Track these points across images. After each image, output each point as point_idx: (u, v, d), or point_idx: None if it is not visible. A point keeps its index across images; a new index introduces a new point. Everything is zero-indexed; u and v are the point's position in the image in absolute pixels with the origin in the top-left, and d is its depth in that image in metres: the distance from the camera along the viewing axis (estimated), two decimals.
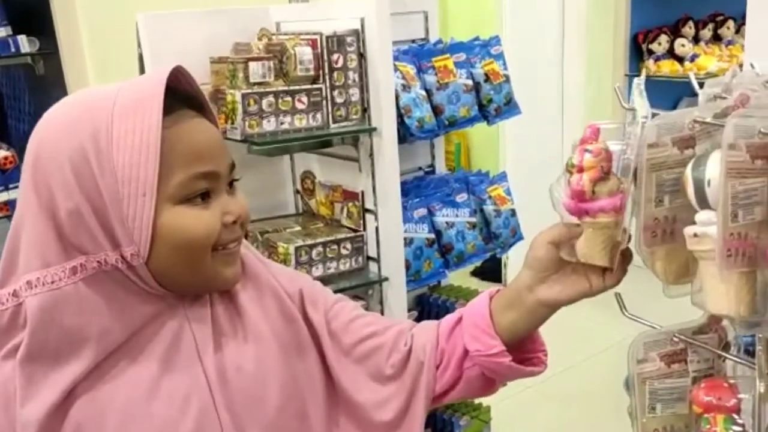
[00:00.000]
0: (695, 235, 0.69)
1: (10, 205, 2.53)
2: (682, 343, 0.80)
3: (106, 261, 0.72)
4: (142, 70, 1.75)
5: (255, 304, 0.84)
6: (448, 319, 0.90)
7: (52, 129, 0.73)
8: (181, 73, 0.76)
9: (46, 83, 2.83)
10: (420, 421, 0.88)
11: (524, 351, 0.87)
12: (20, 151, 2.64)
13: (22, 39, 2.58)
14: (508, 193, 1.97)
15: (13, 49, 2.56)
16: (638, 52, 3.68)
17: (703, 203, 0.69)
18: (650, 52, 3.61)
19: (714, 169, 0.68)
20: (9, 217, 2.73)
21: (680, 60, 3.56)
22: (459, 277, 2.19)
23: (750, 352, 0.79)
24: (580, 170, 0.74)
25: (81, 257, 0.72)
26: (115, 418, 0.72)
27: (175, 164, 0.72)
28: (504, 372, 0.85)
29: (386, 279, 1.71)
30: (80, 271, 0.72)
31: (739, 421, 0.74)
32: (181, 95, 0.76)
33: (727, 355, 0.79)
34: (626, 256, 0.77)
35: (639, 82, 0.82)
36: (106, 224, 0.71)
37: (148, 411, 0.73)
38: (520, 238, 1.99)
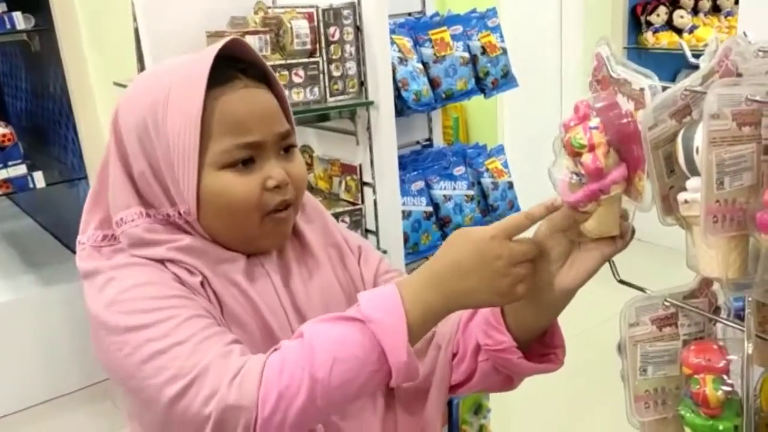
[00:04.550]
0: (686, 201, 0.71)
1: (10, 182, 2.54)
2: (673, 307, 0.81)
3: (169, 215, 0.81)
4: (138, 45, 1.75)
5: (322, 249, 0.91)
6: (468, 310, 0.90)
7: (128, 98, 0.84)
8: (240, 45, 0.82)
9: (41, 60, 2.82)
10: (435, 402, 0.90)
11: (543, 345, 0.87)
12: (18, 129, 2.64)
13: (17, 16, 2.56)
14: (506, 165, 1.98)
15: (8, 26, 2.55)
16: (637, 24, 3.66)
17: (693, 170, 0.70)
18: (649, 24, 3.60)
19: (701, 137, 0.69)
20: (9, 195, 2.73)
21: (679, 32, 3.55)
22: None
23: (740, 317, 0.81)
24: (591, 149, 0.74)
25: (152, 209, 0.82)
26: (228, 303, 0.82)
27: (218, 133, 0.80)
28: (514, 368, 0.85)
29: (385, 252, 1.73)
30: (153, 217, 0.82)
31: (728, 382, 0.76)
32: (241, 65, 0.83)
33: (717, 318, 0.80)
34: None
35: (608, 54, 0.80)
36: (164, 185, 0.81)
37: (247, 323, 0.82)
38: (518, 210, 2.01)
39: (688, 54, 0.86)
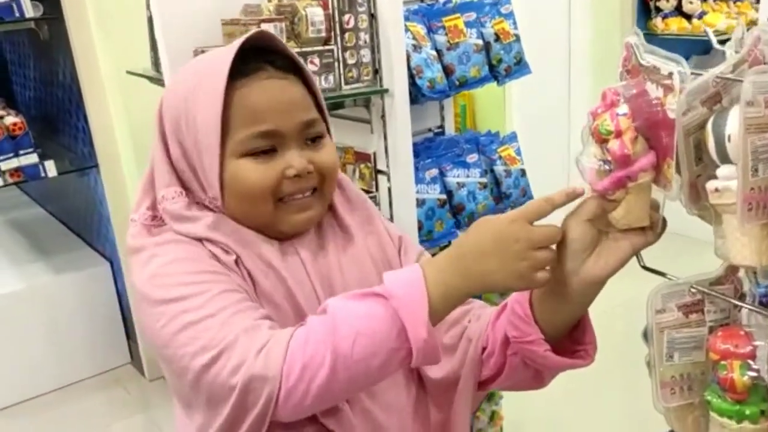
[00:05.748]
0: (717, 189, 0.71)
1: (22, 171, 2.54)
2: (699, 293, 0.82)
3: (201, 199, 0.86)
4: (151, 34, 1.75)
5: (361, 232, 0.93)
6: (499, 306, 0.92)
7: (169, 88, 0.89)
8: (266, 36, 0.85)
9: (50, 48, 2.81)
10: (464, 395, 0.91)
11: (574, 341, 0.86)
12: (27, 118, 2.64)
13: (26, 3, 2.54)
14: (518, 153, 1.98)
15: (17, 14, 2.54)
16: (646, 10, 3.64)
17: (724, 158, 0.70)
18: (658, 10, 3.58)
19: (734, 125, 0.69)
20: (20, 183, 2.73)
21: (688, 17, 3.53)
22: None
23: (764, 303, 0.82)
24: (618, 135, 0.74)
25: (189, 192, 0.87)
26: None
27: (238, 123, 0.82)
28: (541, 361, 0.84)
29: None
30: (189, 197, 0.87)
31: (755, 367, 0.76)
32: (270, 56, 0.85)
33: (744, 305, 0.81)
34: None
35: (637, 42, 0.80)
36: (195, 171, 0.85)
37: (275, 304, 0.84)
38: (530, 198, 2.01)
39: (713, 39, 0.86)
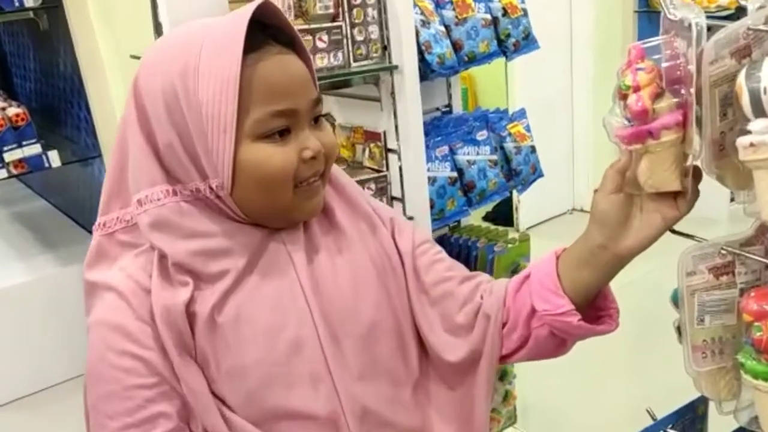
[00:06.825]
0: (751, 144, 0.69)
1: (26, 162, 2.53)
2: (730, 255, 0.80)
3: (198, 189, 0.77)
4: (155, 16, 1.72)
5: (350, 221, 0.88)
6: (516, 277, 0.90)
7: (150, 63, 0.78)
8: (269, 8, 0.77)
9: (50, 38, 2.78)
10: (485, 375, 0.90)
11: (596, 308, 0.87)
12: (28, 110, 2.61)
13: None
14: (528, 129, 1.96)
15: (17, 4, 2.50)
16: None
17: (759, 112, 0.68)
18: None
19: None
20: (24, 175, 2.72)
21: None
22: (471, 221, 2.20)
23: None
24: (637, 89, 0.72)
25: (178, 185, 0.77)
26: (230, 317, 0.78)
27: (253, 102, 0.75)
28: (573, 331, 0.85)
29: (411, 219, 1.71)
30: (180, 194, 0.77)
31: None
32: (270, 30, 0.77)
33: None
34: (696, 176, 0.76)
35: None
36: (194, 157, 0.76)
37: (254, 315, 0.79)
38: (540, 175, 2.00)
39: None
